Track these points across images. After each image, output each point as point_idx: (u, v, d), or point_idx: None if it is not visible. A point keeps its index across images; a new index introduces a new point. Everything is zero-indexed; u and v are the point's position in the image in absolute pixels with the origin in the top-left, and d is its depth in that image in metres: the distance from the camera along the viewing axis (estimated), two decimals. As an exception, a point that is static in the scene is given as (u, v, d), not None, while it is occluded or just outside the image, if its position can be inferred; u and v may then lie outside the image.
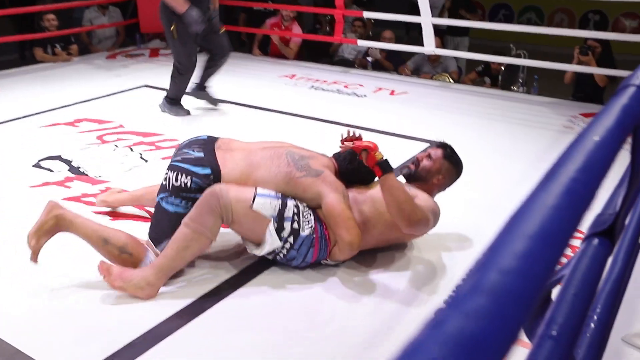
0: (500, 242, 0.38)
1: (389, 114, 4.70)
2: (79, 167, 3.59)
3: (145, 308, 2.21)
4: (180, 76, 4.63)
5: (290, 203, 2.32)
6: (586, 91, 5.30)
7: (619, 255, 1.07)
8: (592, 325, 0.92)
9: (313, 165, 2.41)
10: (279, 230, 2.28)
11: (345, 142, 2.46)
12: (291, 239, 2.31)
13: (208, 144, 2.48)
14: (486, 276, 0.35)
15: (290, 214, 2.30)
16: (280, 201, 2.30)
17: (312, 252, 2.36)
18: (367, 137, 4.06)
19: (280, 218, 2.28)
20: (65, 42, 6.56)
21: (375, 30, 7.40)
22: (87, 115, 4.61)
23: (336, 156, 2.59)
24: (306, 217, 2.34)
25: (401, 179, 2.58)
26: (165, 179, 2.41)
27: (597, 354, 1.06)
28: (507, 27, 6.29)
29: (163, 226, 2.36)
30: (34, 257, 2.27)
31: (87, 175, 3.49)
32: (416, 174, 2.58)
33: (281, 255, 2.35)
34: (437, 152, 2.61)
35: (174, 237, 2.25)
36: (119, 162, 3.70)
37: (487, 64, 6.07)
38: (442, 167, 2.59)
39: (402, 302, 2.30)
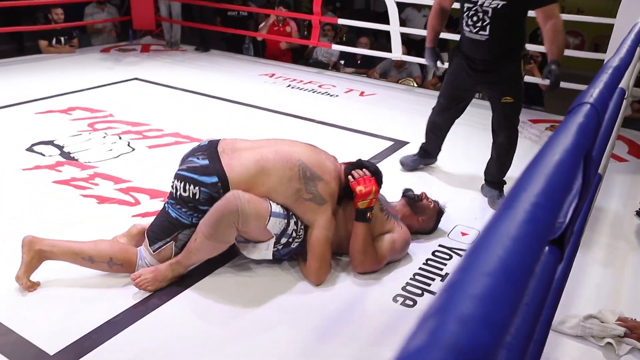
0: (457, 283, 0.32)
1: (358, 113, 4.64)
2: (70, 153, 3.46)
3: (110, 298, 2.13)
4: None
5: (292, 222, 2.21)
6: (529, 95, 5.34)
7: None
8: (537, 326, 0.87)
9: (321, 191, 2.22)
10: (276, 243, 2.20)
11: (353, 172, 2.32)
12: (280, 247, 2.23)
13: (211, 150, 2.21)
14: (442, 327, 0.28)
15: (290, 232, 2.21)
16: (286, 221, 2.19)
17: (287, 256, 2.32)
18: (339, 135, 4.03)
19: (280, 235, 2.19)
20: (69, 35, 6.35)
21: (348, 36, 7.33)
22: (79, 104, 4.45)
23: (346, 171, 2.38)
24: (300, 235, 2.24)
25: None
26: (173, 187, 2.17)
27: (539, 350, 1.03)
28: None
29: (163, 229, 2.18)
30: (31, 290, 2.10)
31: (77, 160, 3.36)
32: (414, 203, 2.61)
33: None
34: (437, 206, 2.69)
35: (198, 245, 2.10)
36: (108, 149, 3.57)
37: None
38: (432, 216, 2.65)
39: (365, 287, 2.26)
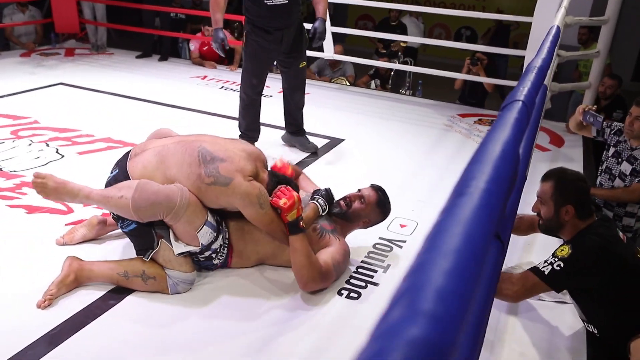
0: (422, 266, 0.34)
1: (293, 113, 4.65)
2: (-7, 162, 3.28)
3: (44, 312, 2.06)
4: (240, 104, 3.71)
5: (221, 237, 2.18)
6: (476, 97, 5.42)
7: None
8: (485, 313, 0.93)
9: (222, 171, 2.08)
10: (200, 253, 2.17)
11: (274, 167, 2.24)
12: (202, 258, 2.21)
13: (123, 157, 2.24)
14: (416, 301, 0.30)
15: (216, 247, 2.18)
16: (215, 234, 2.15)
17: (208, 269, 2.29)
18: (277, 134, 4.03)
19: (206, 248, 2.15)
20: None
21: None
22: (0, 111, 4.23)
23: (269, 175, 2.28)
24: (223, 252, 2.22)
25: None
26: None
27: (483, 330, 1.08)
28: (396, 37, 6.41)
29: (141, 240, 2.13)
30: (48, 304, 2.01)
31: (1, 169, 3.19)
32: (346, 215, 2.37)
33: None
34: (371, 197, 2.39)
35: (119, 203, 2.03)
36: (34, 156, 3.41)
37: (376, 68, 6.18)
38: (372, 212, 2.40)
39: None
